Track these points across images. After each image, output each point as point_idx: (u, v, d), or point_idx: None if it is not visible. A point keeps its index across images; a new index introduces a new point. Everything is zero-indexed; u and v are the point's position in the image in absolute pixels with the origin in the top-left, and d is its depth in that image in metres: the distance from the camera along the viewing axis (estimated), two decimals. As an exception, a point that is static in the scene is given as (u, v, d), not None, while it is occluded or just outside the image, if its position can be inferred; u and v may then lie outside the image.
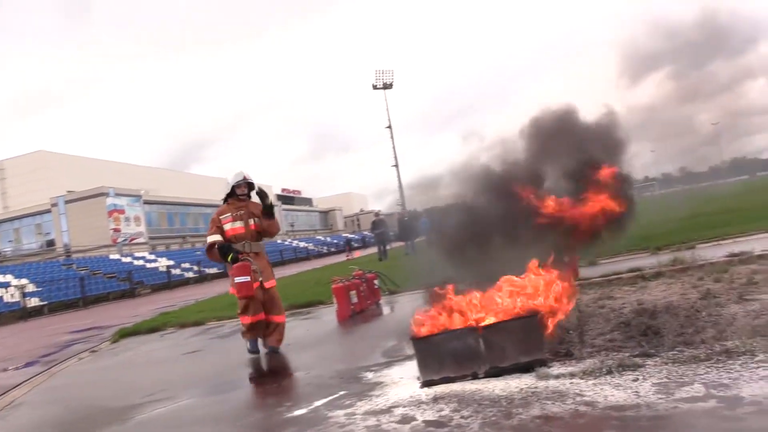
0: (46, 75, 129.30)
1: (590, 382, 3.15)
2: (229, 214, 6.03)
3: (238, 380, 5.06)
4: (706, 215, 14.73)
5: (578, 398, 2.93)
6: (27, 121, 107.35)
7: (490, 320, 3.73)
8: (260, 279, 5.87)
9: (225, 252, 5.84)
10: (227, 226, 5.97)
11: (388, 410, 3.32)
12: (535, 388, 3.23)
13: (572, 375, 3.32)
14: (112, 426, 4.15)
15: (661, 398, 2.73)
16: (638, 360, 3.37)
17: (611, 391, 2.95)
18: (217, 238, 5.93)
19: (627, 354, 3.55)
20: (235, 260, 5.76)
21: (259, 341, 6.11)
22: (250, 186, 6.18)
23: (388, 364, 4.55)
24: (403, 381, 3.94)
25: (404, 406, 3.34)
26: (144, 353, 7.88)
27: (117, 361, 7.70)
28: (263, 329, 6.02)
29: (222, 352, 6.79)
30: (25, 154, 50.09)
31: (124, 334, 10.19)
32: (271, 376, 4.94)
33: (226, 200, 6.21)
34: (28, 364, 8.72)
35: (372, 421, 3.18)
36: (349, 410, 3.46)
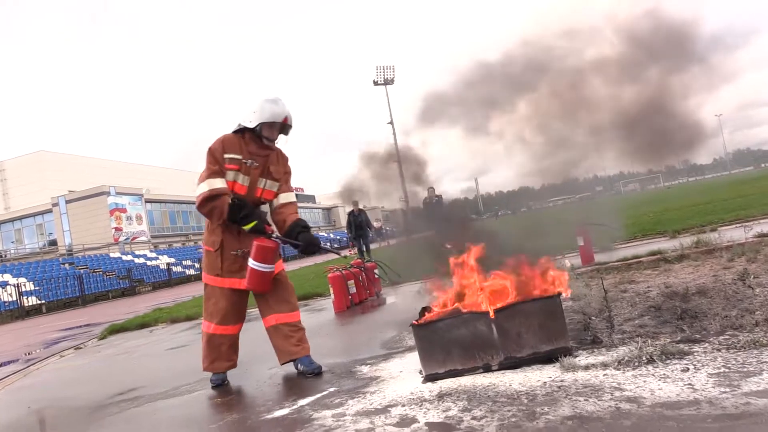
0: (47, 75, 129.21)
1: (629, 374, 2.58)
2: (239, 155, 3.82)
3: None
4: (721, 200, 14.15)
5: (617, 393, 2.36)
6: (27, 121, 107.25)
7: (504, 302, 3.17)
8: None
9: (244, 215, 3.76)
10: (229, 176, 3.81)
11: (384, 410, 2.76)
12: (562, 381, 2.66)
13: (605, 365, 2.75)
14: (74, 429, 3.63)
15: (725, 392, 2.16)
16: (683, 347, 2.81)
17: (658, 384, 2.38)
18: (220, 185, 3.76)
19: (667, 340, 2.99)
20: (257, 231, 3.82)
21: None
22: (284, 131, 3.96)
23: (386, 357, 4.00)
24: (402, 375, 3.39)
25: (403, 405, 2.78)
26: (128, 349, 7.36)
27: (98, 357, 7.18)
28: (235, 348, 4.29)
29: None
30: (25, 154, 49.79)
31: (113, 330, 9.83)
32: (255, 372, 4.39)
33: (241, 132, 3.90)
34: (5, 363, 8.24)
35: (364, 423, 2.63)
36: (338, 410, 2.91)
